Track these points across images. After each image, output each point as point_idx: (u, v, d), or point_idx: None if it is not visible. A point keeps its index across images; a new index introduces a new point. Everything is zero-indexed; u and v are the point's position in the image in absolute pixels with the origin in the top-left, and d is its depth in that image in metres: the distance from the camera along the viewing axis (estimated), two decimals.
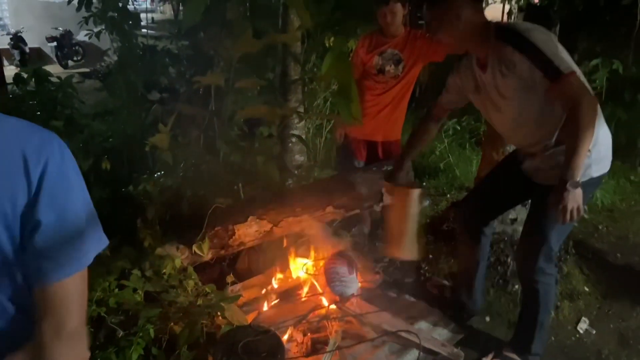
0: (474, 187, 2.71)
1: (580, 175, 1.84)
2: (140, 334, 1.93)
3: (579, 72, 1.90)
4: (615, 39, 5.66)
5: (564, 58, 1.85)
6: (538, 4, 5.98)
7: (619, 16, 5.54)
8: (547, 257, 2.20)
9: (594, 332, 2.73)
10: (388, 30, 3.10)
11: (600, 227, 3.97)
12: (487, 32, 1.99)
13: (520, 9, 6.29)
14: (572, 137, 1.83)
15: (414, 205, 2.40)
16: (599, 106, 1.88)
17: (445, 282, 2.97)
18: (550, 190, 1.91)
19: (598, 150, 1.98)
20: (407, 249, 2.49)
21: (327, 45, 4.91)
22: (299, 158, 3.92)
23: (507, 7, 6.39)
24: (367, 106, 3.17)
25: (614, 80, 4.99)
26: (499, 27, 1.99)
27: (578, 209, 1.87)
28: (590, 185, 2.07)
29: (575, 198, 1.85)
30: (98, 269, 2.11)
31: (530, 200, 2.32)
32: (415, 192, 2.41)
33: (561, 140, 1.99)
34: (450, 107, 2.41)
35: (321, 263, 2.73)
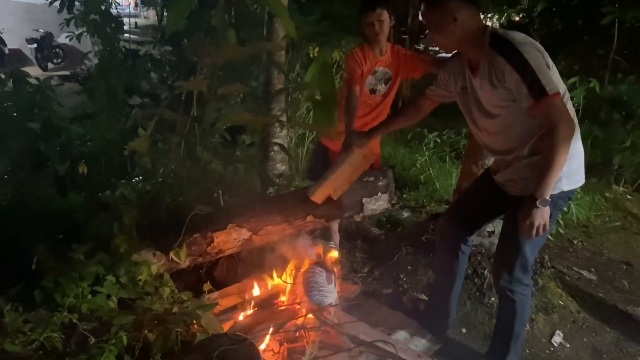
0: (451, 203, 2.73)
1: (550, 192, 1.90)
2: (113, 342, 1.89)
3: (564, 91, 1.94)
4: (593, 59, 5.79)
5: (552, 78, 1.87)
6: (519, 22, 6.11)
7: (597, 36, 5.67)
8: (524, 267, 2.23)
9: (568, 345, 2.76)
10: (376, 43, 2.99)
11: (575, 242, 4.04)
12: (483, 37, 1.99)
13: (501, 26, 6.41)
14: (546, 157, 1.88)
15: (349, 162, 2.62)
16: (577, 127, 1.93)
17: (420, 296, 2.98)
18: (523, 201, 1.97)
19: (570, 164, 2.00)
20: (319, 193, 2.66)
21: (311, 55, 4.94)
22: (281, 167, 3.92)
23: (488, 23, 6.48)
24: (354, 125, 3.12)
25: (591, 99, 5.11)
26: (494, 34, 1.98)
27: (545, 226, 1.95)
28: (562, 198, 2.11)
29: (542, 215, 1.93)
30: (71, 274, 2.07)
31: (504, 212, 2.35)
32: (353, 152, 2.60)
33: (536, 152, 2.02)
34: (437, 100, 2.42)
35: (300, 272, 2.72)
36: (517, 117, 2.00)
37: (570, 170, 2.06)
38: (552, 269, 3.28)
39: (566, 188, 2.08)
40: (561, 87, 1.92)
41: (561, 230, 3.99)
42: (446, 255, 2.61)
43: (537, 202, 1.89)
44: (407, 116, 2.57)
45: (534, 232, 1.95)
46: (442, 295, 2.68)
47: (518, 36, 1.94)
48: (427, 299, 2.91)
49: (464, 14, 1.98)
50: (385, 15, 2.92)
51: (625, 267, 3.70)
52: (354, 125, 2.95)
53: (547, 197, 1.89)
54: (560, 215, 4.02)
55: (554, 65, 1.96)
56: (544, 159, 1.90)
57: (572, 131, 1.88)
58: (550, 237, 3.86)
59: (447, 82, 2.29)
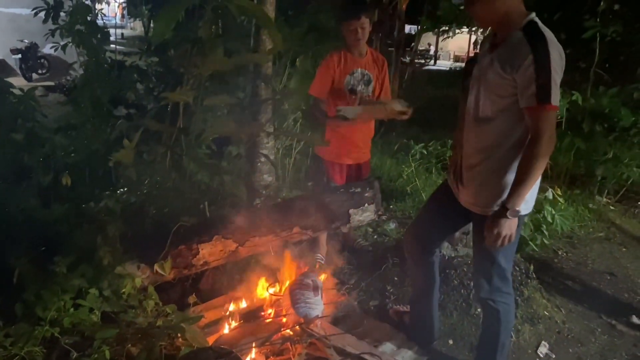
0: (416, 217, 2.74)
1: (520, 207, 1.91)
2: (95, 356, 1.86)
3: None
4: (575, 72, 5.89)
5: (558, 90, 1.84)
6: None
7: (579, 50, 5.77)
8: (501, 276, 2.24)
9: (554, 356, 2.77)
10: (357, 47, 3.09)
11: (560, 253, 4.08)
12: (519, 19, 1.92)
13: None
14: (524, 166, 1.89)
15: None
16: None
17: (405, 308, 2.97)
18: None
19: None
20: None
21: (297, 65, 4.96)
22: (268, 178, 3.91)
23: (473, 37, 6.61)
24: (339, 129, 3.14)
25: (574, 111, 5.19)
26: (533, 24, 1.90)
27: (511, 237, 1.97)
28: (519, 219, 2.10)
29: (510, 226, 1.96)
30: (53, 287, 2.04)
31: (472, 225, 2.36)
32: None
33: (501, 166, 2.03)
34: None
35: (286, 284, 2.70)
36: (505, 111, 1.98)
37: (529, 195, 2.04)
38: (537, 280, 3.30)
39: (523, 212, 2.07)
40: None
41: (546, 241, 4.02)
42: (416, 268, 2.63)
43: (508, 213, 1.91)
44: None
45: (500, 242, 1.98)
46: (421, 307, 2.69)
47: (553, 37, 1.87)
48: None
49: None
50: (367, 23, 3.02)
51: (609, 278, 3.73)
52: (335, 128, 3.06)
53: (518, 209, 1.91)
54: (544, 226, 4.06)
55: None
56: (522, 168, 1.90)
57: (553, 147, 1.89)
58: (535, 247, 3.89)
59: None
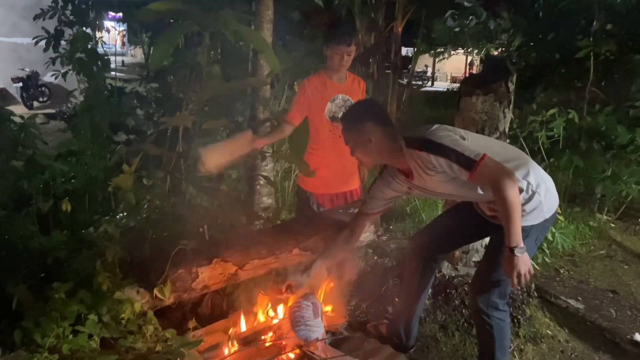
0: (432, 221, 2.79)
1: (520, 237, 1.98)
2: None
3: (486, 146, 2.06)
4: (570, 91, 5.96)
5: (470, 146, 2.02)
6: (497, 56, 6.29)
7: (573, 69, 5.85)
8: (501, 293, 2.28)
9: None
10: (338, 73, 3.03)
11: (561, 271, 4.06)
12: (399, 146, 2.16)
13: (480, 60, 6.59)
14: (502, 210, 1.97)
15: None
16: (528, 161, 2.08)
17: (382, 321, 2.98)
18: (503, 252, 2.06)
19: (539, 192, 2.12)
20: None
21: (296, 89, 5.02)
22: (267, 200, 3.92)
23: (469, 58, 6.72)
24: (326, 160, 3.13)
25: (571, 130, 5.23)
26: (407, 138, 2.14)
27: (530, 270, 2.03)
28: (548, 221, 2.21)
29: (525, 261, 2.01)
30: (51, 314, 2.03)
31: (489, 238, 2.39)
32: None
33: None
34: (376, 213, 2.47)
35: (286, 306, 2.69)
36: (466, 187, 2.11)
37: (548, 196, 2.15)
38: (539, 299, 3.28)
39: (548, 215, 2.18)
40: (483, 147, 2.05)
41: (547, 260, 4.01)
42: (416, 271, 2.63)
43: (515, 252, 1.96)
44: (344, 240, 2.55)
45: (523, 279, 2.02)
46: (405, 312, 2.72)
47: (426, 129, 2.13)
48: (386, 321, 2.94)
49: (377, 132, 2.16)
50: (354, 50, 2.97)
51: (611, 296, 3.71)
52: (324, 158, 3.08)
53: (522, 245, 1.97)
54: (545, 245, 4.06)
55: (469, 132, 2.19)
56: (502, 213, 1.98)
57: (514, 179, 1.96)
58: (537, 266, 3.88)
59: (386, 193, 2.38)
